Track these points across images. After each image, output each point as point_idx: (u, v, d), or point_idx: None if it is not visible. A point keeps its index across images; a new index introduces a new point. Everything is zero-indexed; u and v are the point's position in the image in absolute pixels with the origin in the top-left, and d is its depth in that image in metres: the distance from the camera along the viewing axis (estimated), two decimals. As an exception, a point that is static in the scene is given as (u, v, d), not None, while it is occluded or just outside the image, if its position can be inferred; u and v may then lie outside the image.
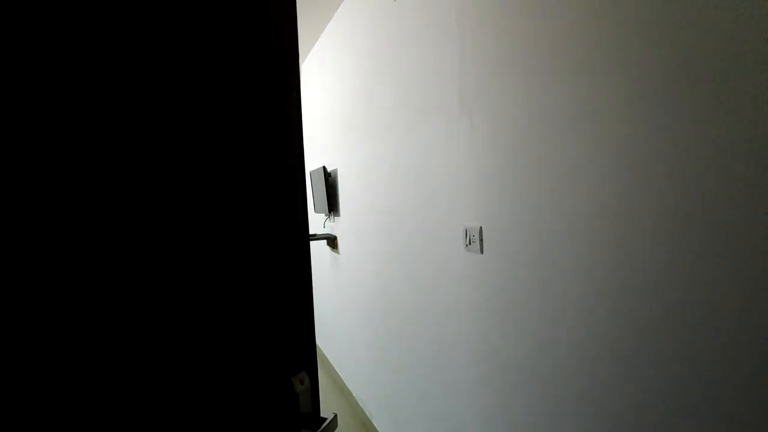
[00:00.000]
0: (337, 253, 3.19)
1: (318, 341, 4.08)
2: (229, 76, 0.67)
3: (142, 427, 0.55)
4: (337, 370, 3.39)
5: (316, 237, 3.36)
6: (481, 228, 1.41)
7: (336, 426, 0.76)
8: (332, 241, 3.30)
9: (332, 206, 3.15)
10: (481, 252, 1.41)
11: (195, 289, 0.62)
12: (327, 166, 3.18)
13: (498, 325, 1.35)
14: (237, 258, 0.68)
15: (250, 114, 0.71)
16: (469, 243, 1.47)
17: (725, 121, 0.74)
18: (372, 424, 2.57)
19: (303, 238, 0.80)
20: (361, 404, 2.80)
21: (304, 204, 0.81)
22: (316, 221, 3.70)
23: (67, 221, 0.48)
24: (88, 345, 0.50)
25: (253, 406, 0.70)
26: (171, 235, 0.59)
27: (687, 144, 0.79)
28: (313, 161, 3.76)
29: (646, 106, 0.86)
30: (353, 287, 2.85)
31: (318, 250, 3.79)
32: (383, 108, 2.16)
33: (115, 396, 0.52)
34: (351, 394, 3.01)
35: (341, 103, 2.90)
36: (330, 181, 3.14)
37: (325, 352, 3.80)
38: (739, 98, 0.72)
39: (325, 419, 0.75)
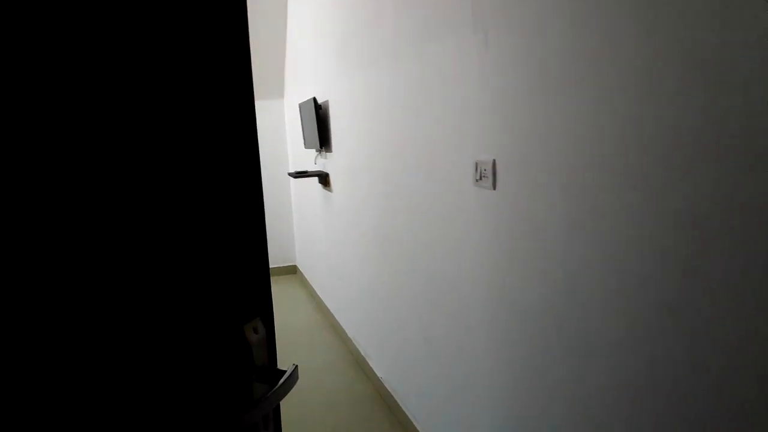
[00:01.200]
0: (330, 191, 3.04)
1: (311, 282, 4.05)
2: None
3: (76, 382, 0.45)
4: (331, 310, 3.36)
5: (306, 174, 3.19)
6: (494, 161, 1.26)
7: (297, 379, 0.65)
8: (324, 179, 3.14)
9: (324, 141, 2.95)
10: (494, 188, 1.27)
11: (121, 220, 0.49)
12: (318, 98, 2.94)
13: (511, 265, 1.24)
14: (171, 187, 0.55)
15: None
16: (480, 178, 1.32)
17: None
18: (367, 363, 2.56)
19: (252, 165, 0.67)
20: (355, 343, 2.78)
21: (252, 126, 0.67)
22: (307, 158, 3.50)
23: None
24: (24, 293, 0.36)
25: (196, 360, 0.59)
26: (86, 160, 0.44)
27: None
28: (302, 93, 3.49)
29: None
30: (349, 227, 2.73)
31: (308, 188, 3.63)
32: (382, 28, 1.91)
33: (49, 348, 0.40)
34: (345, 333, 2.99)
35: (332, 27, 2.61)
36: (321, 114, 2.91)
37: (319, 293, 3.76)
38: None
39: (284, 372, 0.64)
